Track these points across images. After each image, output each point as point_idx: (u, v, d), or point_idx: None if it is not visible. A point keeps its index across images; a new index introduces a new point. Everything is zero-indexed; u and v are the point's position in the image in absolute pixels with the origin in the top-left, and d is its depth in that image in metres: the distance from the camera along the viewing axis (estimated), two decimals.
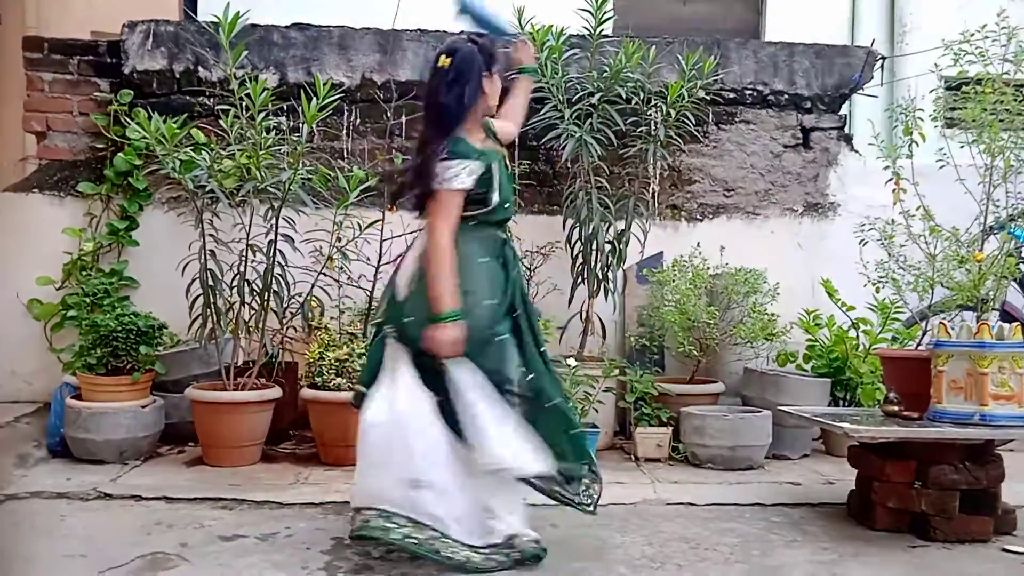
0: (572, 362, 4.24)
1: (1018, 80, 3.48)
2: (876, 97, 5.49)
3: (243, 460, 3.92)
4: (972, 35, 3.45)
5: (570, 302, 4.63)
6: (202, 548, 2.83)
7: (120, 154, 4.56)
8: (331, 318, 4.41)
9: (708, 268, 4.60)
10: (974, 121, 3.45)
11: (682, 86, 4.48)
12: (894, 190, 3.81)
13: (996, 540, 3.08)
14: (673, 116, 4.53)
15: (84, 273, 4.49)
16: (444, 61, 2.64)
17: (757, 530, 3.17)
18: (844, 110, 5.28)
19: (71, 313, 4.37)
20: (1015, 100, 3.38)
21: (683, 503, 3.49)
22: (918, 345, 4.04)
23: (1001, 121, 3.43)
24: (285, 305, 4.19)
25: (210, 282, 4.03)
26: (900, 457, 3.14)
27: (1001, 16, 3.46)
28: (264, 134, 3.98)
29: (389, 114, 4.70)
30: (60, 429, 3.94)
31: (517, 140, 2.88)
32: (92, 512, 3.21)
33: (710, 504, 3.48)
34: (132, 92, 4.66)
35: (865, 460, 3.30)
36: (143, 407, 3.96)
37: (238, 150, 4.03)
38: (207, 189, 4.07)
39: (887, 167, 3.84)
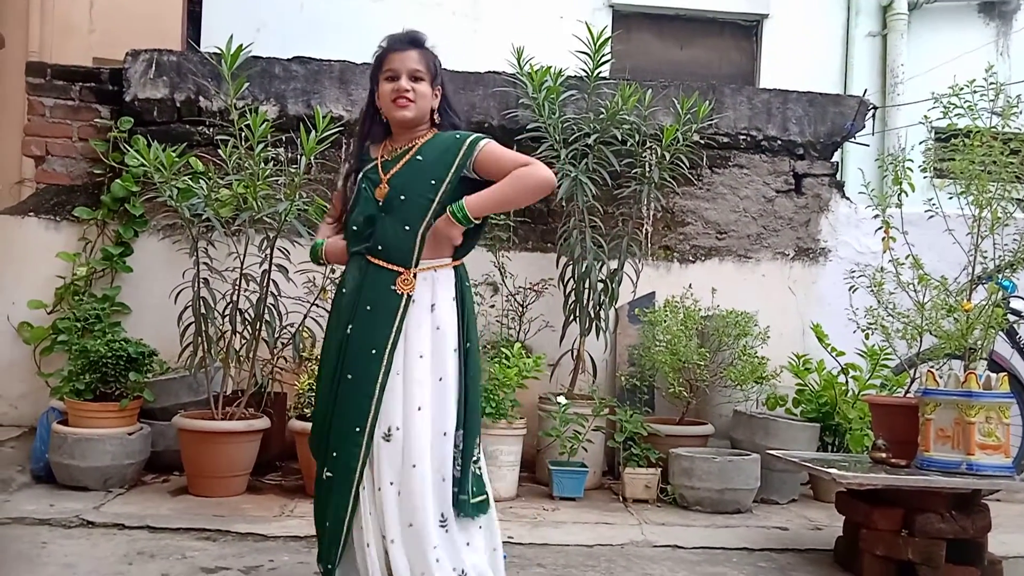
0: (562, 400, 4.25)
1: (1006, 134, 3.54)
2: (867, 146, 5.58)
3: (228, 490, 3.89)
4: (961, 89, 3.52)
5: (561, 340, 4.65)
6: None
7: (118, 180, 4.59)
8: None
9: (699, 309, 4.62)
10: (963, 173, 3.51)
11: (677, 129, 4.55)
12: (884, 238, 3.85)
13: None
14: (668, 159, 4.60)
15: (76, 298, 4.49)
16: None
17: (744, 575, 3.16)
18: (836, 157, 5.35)
19: (61, 338, 4.35)
20: (1003, 153, 3.44)
21: (670, 545, 3.47)
22: (906, 392, 4.05)
23: (989, 173, 3.48)
24: (277, 335, 4.19)
25: (202, 310, 4.03)
26: (887, 504, 3.14)
27: (989, 71, 3.54)
28: (262, 165, 4.01)
29: None
30: (45, 454, 3.91)
31: None
32: (74, 540, 3.17)
33: (697, 547, 3.46)
34: (132, 119, 4.70)
35: (852, 506, 3.30)
36: (130, 434, 3.93)
37: (236, 180, 4.06)
38: (203, 218, 4.08)
39: (877, 215, 3.90)
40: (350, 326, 2.38)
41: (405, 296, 2.36)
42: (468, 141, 2.41)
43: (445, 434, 2.34)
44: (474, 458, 2.42)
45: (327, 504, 2.36)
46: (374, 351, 2.33)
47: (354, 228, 2.45)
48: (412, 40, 2.47)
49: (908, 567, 3.07)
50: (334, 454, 2.35)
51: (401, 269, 2.37)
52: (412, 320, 2.36)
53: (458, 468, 2.36)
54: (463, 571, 2.31)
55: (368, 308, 2.37)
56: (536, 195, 2.43)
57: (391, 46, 2.46)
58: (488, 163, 2.40)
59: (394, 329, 2.34)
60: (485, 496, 2.45)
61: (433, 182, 2.38)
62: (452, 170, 2.39)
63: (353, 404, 2.33)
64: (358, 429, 2.30)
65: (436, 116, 2.49)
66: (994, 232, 3.57)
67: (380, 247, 2.39)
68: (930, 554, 3.03)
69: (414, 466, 2.29)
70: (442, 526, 2.32)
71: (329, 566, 2.37)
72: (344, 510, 2.33)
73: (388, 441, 2.31)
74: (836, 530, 3.48)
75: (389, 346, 2.33)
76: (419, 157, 2.43)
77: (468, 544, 2.38)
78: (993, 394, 3.00)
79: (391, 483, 2.30)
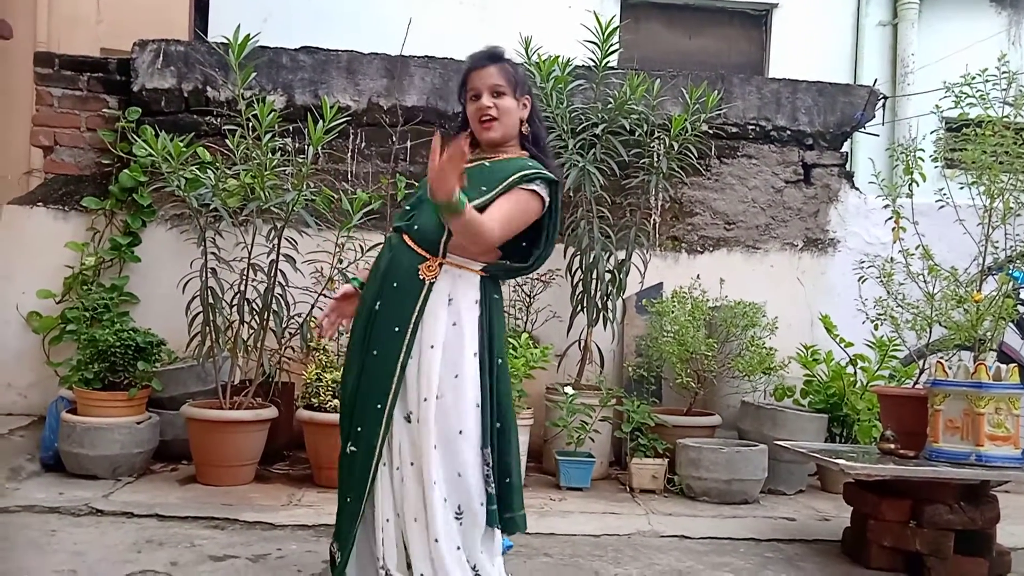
0: (569, 390, 4.25)
1: (1018, 123, 3.51)
2: (877, 136, 5.55)
3: (236, 479, 3.91)
4: (973, 78, 3.49)
5: (569, 330, 4.64)
6: (192, 568, 2.81)
7: (126, 170, 4.59)
8: (330, 339, 4.41)
9: (707, 300, 4.61)
10: (974, 163, 3.49)
11: (685, 119, 4.53)
12: (894, 228, 3.84)
13: None
14: (676, 149, 4.57)
15: (85, 287, 4.50)
16: None
17: (751, 565, 3.15)
18: (845, 147, 5.32)
19: (70, 327, 4.37)
20: (1015, 143, 3.41)
21: (677, 535, 3.47)
22: (915, 383, 4.04)
23: (1001, 164, 3.46)
24: (284, 325, 4.20)
25: (210, 300, 4.04)
26: (896, 495, 3.14)
27: (1001, 60, 3.51)
28: (270, 155, 4.01)
29: (395, 138, 4.74)
30: (54, 443, 3.93)
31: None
32: (83, 528, 3.19)
33: (704, 537, 3.46)
34: (140, 109, 4.70)
35: (860, 497, 3.29)
36: (138, 423, 3.95)
37: (243, 170, 4.06)
38: (211, 207, 4.09)
39: (887, 205, 3.88)
40: (378, 302, 2.40)
41: (427, 283, 2.36)
42: (520, 175, 2.39)
43: (461, 432, 2.32)
44: (509, 478, 2.40)
45: (351, 477, 2.38)
46: (397, 328, 2.34)
47: (407, 208, 2.51)
48: (491, 56, 2.48)
49: (916, 558, 3.07)
50: (359, 428, 2.37)
51: (428, 256, 2.38)
52: (429, 310, 2.36)
53: (492, 484, 2.34)
54: (475, 566, 2.30)
55: (395, 285, 2.39)
56: (470, 236, 2.29)
57: (471, 65, 2.48)
58: (503, 197, 2.38)
59: (416, 311, 2.36)
60: (523, 512, 2.44)
61: (483, 187, 2.38)
62: (497, 190, 2.38)
63: (376, 381, 2.35)
64: (379, 406, 2.32)
65: (525, 127, 2.48)
66: (1005, 223, 3.55)
67: (416, 227, 2.42)
68: (938, 545, 3.02)
69: (421, 455, 2.31)
70: (457, 518, 2.32)
71: (349, 546, 2.36)
72: (364, 485, 2.34)
73: (410, 423, 2.33)
74: (844, 521, 3.47)
75: (411, 327, 2.34)
76: (487, 164, 2.45)
77: (497, 554, 2.38)
78: (1003, 385, 2.99)
79: (412, 463, 2.33)
